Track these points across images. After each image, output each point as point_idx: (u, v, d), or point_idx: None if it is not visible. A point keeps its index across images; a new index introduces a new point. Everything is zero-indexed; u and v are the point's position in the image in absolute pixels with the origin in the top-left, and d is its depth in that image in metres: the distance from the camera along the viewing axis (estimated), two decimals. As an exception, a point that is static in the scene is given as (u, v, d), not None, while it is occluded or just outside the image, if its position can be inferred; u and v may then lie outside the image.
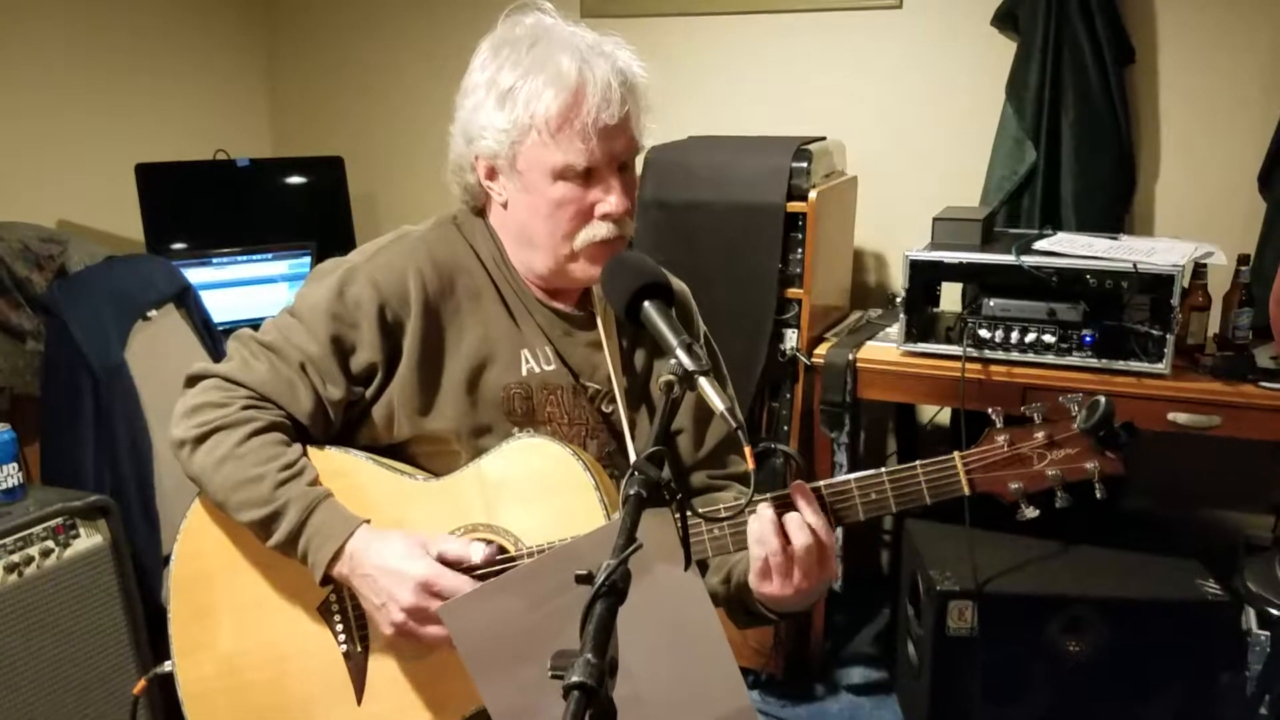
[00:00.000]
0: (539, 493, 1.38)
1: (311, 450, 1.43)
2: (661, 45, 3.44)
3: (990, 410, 1.26)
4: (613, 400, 1.51)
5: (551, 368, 1.48)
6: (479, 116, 1.39)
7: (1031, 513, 1.25)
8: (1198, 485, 3.00)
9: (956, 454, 1.26)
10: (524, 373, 1.47)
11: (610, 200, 1.38)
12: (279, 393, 1.41)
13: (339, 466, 1.43)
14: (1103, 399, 1.21)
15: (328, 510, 1.37)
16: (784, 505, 1.26)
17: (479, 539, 1.38)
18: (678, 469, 1.57)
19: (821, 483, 1.27)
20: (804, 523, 1.24)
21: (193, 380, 1.45)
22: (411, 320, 1.42)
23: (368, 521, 1.37)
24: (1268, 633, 2.34)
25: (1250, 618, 2.39)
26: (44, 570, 2.16)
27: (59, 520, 2.20)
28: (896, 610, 2.94)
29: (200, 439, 1.39)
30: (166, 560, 2.52)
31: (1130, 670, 2.45)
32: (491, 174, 1.44)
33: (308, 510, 1.35)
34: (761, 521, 1.25)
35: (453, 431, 1.43)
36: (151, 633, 2.37)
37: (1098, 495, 1.23)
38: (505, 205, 1.45)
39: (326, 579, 1.36)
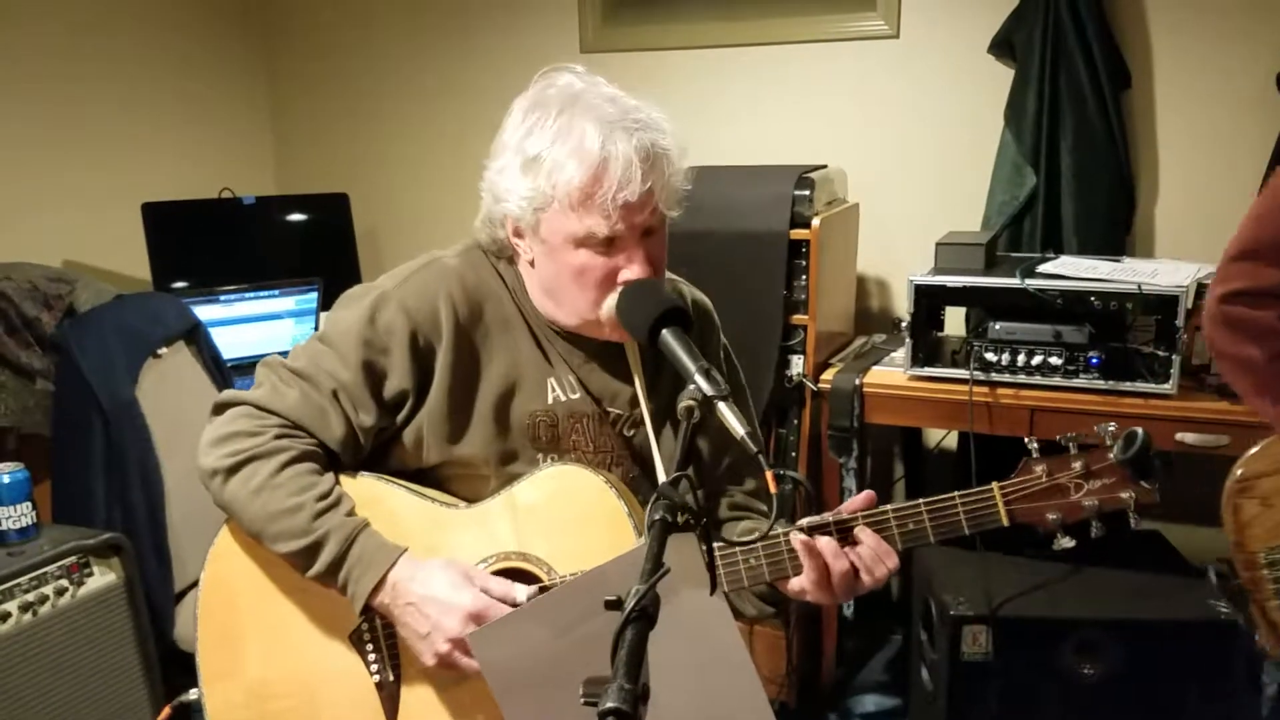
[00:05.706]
0: (571, 521, 1.38)
1: (344, 478, 1.43)
2: (662, 78, 3.48)
3: (1026, 439, 1.26)
4: (634, 424, 1.51)
5: (577, 396, 1.49)
6: (504, 179, 1.39)
7: (1068, 542, 1.24)
8: (1206, 505, 2.99)
9: (995, 484, 1.26)
10: (550, 400, 1.47)
11: (633, 268, 1.37)
12: (311, 420, 1.41)
13: (371, 493, 1.43)
14: (1140, 430, 1.21)
15: (368, 539, 1.37)
16: (816, 529, 1.27)
17: (511, 567, 1.38)
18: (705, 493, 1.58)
19: (859, 514, 1.28)
20: (841, 550, 1.26)
21: (221, 407, 1.45)
22: (443, 347, 1.42)
23: (406, 550, 1.37)
24: (1282, 652, 2.33)
25: (1264, 637, 2.38)
26: (58, 609, 2.15)
27: (73, 559, 2.19)
28: (909, 636, 2.92)
29: (233, 469, 1.38)
30: (178, 597, 2.54)
31: (1145, 691, 2.44)
32: (519, 233, 1.44)
33: (348, 540, 1.36)
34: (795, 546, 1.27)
35: (481, 458, 1.44)
36: (165, 671, 2.36)
37: (1132, 525, 1.22)
38: (532, 264, 1.45)
39: (365, 608, 1.36)
